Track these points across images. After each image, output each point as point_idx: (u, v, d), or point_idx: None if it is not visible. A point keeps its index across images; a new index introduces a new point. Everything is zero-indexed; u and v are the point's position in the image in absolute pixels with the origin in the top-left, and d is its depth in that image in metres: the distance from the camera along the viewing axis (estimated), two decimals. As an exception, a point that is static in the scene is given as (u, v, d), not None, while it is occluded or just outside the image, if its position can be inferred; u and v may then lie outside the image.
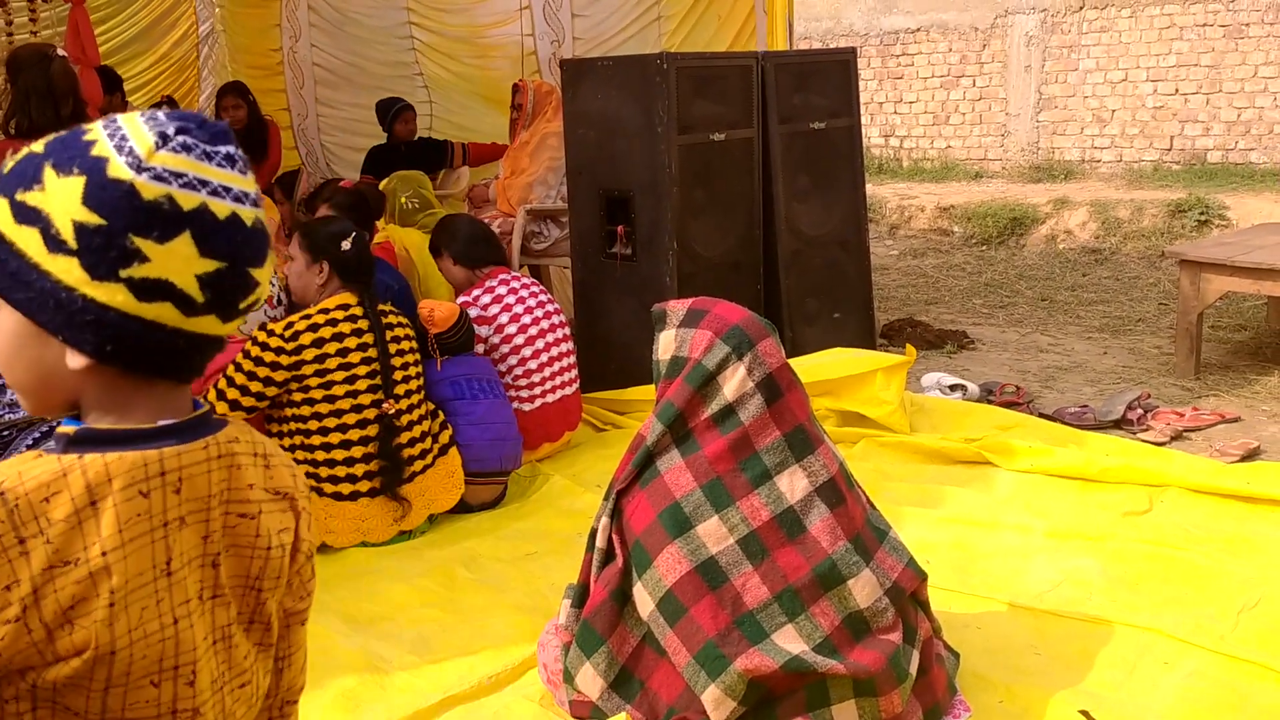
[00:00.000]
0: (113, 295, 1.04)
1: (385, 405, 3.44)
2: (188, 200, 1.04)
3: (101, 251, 1.02)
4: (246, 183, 1.09)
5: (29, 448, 2.09)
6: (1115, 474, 3.74)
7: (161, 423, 1.11)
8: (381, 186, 5.52)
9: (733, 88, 4.96)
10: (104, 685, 1.07)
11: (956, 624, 2.79)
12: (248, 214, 1.08)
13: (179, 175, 1.04)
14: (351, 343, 3.42)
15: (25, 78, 3.88)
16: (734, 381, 2.37)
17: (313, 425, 3.39)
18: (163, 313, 1.05)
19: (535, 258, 5.56)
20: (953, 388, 5.02)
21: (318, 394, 3.38)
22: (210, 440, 1.14)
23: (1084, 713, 2.44)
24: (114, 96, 6.10)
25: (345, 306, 3.46)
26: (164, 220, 1.03)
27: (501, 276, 4.20)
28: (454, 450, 3.66)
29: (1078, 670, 2.64)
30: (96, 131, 1.06)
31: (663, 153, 4.60)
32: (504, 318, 4.09)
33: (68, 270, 1.03)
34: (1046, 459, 3.87)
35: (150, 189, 1.03)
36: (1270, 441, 4.31)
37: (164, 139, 1.05)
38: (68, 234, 1.02)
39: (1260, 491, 3.51)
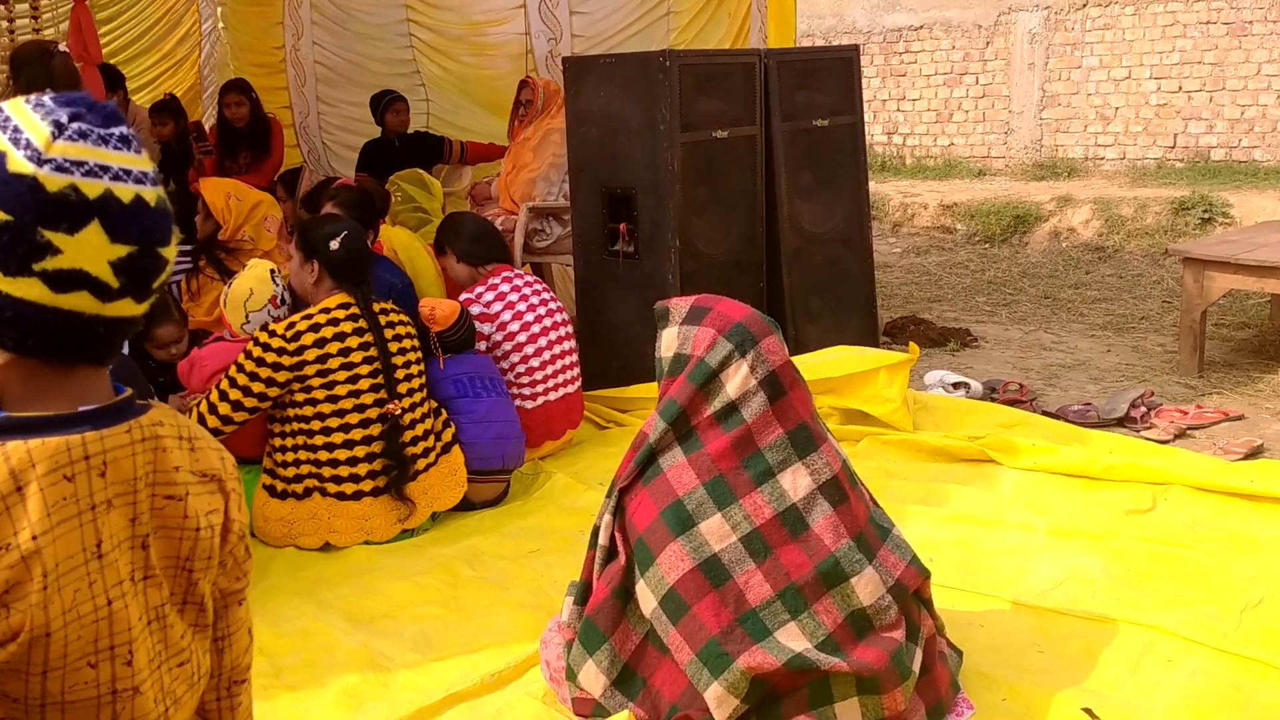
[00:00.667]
0: (29, 289, 1.04)
1: (389, 406, 3.44)
2: (92, 188, 1.04)
3: (11, 248, 1.02)
4: (144, 163, 1.09)
5: None
6: (1118, 472, 3.73)
7: (83, 408, 1.11)
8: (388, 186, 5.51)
9: (736, 85, 4.95)
10: (41, 669, 1.07)
11: (960, 622, 2.79)
12: (150, 194, 1.08)
13: (80, 164, 1.04)
14: (353, 342, 3.42)
15: (27, 74, 3.88)
16: (737, 379, 2.37)
17: (315, 425, 3.39)
18: (80, 302, 1.06)
19: (538, 255, 5.55)
20: (956, 385, 5.01)
21: (320, 394, 3.38)
22: (133, 424, 1.14)
23: (1087, 710, 2.44)
24: (116, 94, 6.10)
25: (346, 305, 3.46)
26: (71, 211, 1.03)
27: (505, 274, 4.20)
28: (457, 448, 3.66)
29: (1081, 668, 2.63)
30: None
31: (665, 150, 4.60)
32: (507, 315, 4.09)
33: None
34: (1050, 457, 3.86)
35: (53, 181, 1.03)
36: (1274, 439, 4.31)
37: (59, 128, 1.05)
38: None
39: (1264, 489, 3.50)
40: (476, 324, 4.00)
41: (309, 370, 3.36)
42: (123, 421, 1.13)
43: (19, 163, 1.03)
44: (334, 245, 3.47)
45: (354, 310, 3.46)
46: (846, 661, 2.24)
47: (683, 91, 4.62)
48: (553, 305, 4.24)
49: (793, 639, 2.25)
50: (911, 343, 4.87)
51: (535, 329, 4.12)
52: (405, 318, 3.64)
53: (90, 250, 1.04)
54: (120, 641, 1.12)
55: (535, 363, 4.11)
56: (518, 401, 4.04)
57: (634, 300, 4.68)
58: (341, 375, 3.39)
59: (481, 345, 4.03)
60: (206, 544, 1.21)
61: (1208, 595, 2.94)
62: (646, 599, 2.34)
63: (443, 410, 3.72)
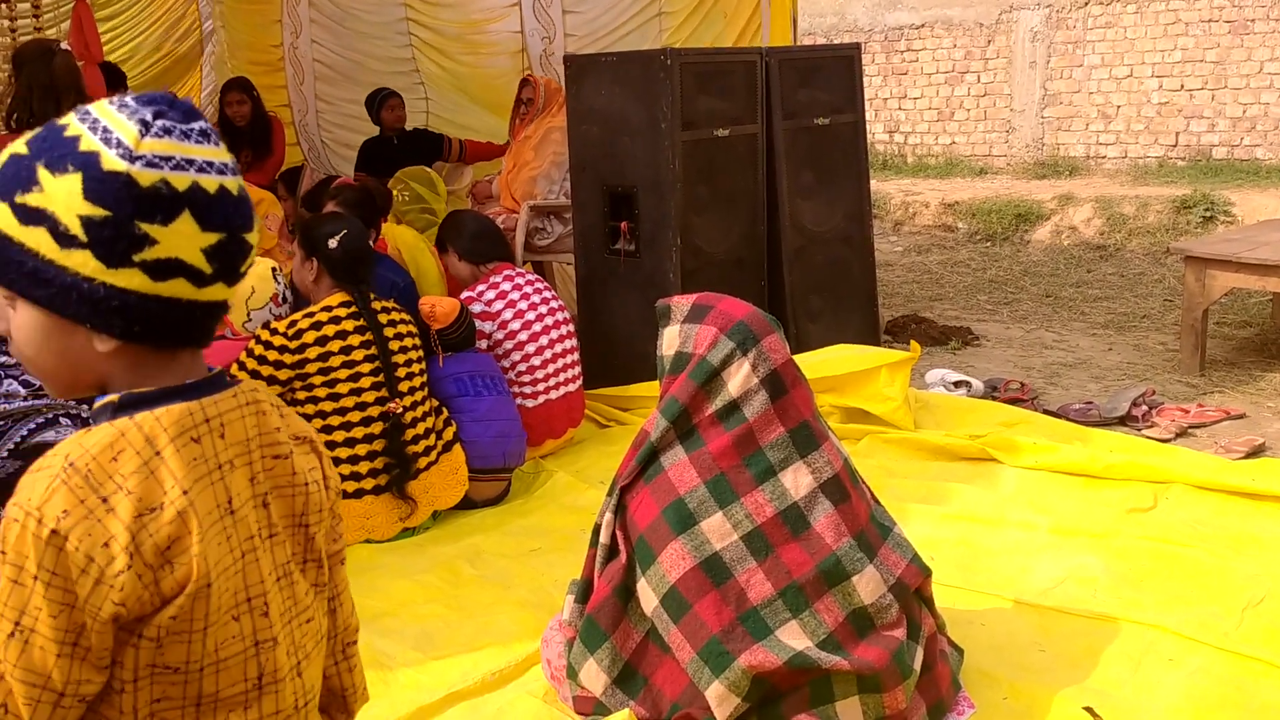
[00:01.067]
0: (130, 279, 1.10)
1: (391, 405, 3.44)
2: (181, 181, 1.10)
3: (113, 241, 1.08)
4: (224, 154, 1.15)
5: (23, 439, 2.11)
6: (1120, 471, 3.73)
7: (189, 381, 1.19)
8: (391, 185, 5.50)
9: (737, 83, 4.95)
10: (203, 624, 1.14)
11: (961, 620, 2.79)
12: (232, 184, 1.15)
13: (168, 159, 1.10)
14: (355, 340, 3.42)
15: (28, 72, 3.89)
16: (738, 377, 2.36)
17: (317, 424, 3.39)
18: (178, 288, 1.12)
19: (539, 254, 5.55)
20: (957, 384, 5.01)
21: (321, 391, 3.38)
22: (237, 389, 1.23)
23: (1088, 709, 2.44)
24: (117, 92, 6.10)
25: (348, 304, 3.46)
26: (164, 203, 1.09)
27: (506, 272, 4.20)
28: (458, 447, 3.66)
29: (1082, 667, 2.63)
30: (76, 126, 1.10)
31: (666, 149, 4.60)
32: (508, 314, 4.09)
33: (84, 263, 1.09)
34: (1051, 455, 3.86)
35: (146, 176, 1.08)
36: (1275, 438, 4.30)
37: (146, 126, 1.10)
38: (76, 229, 1.08)
39: (1265, 488, 3.50)
40: (478, 322, 4.00)
41: (311, 369, 3.36)
42: (227, 389, 1.22)
43: (113, 161, 1.08)
44: (332, 244, 3.47)
45: (356, 309, 3.46)
46: (848, 660, 2.23)
47: (684, 90, 4.62)
48: (554, 304, 4.24)
49: (794, 637, 2.25)
50: (913, 341, 4.86)
51: (537, 327, 4.12)
52: (406, 316, 3.63)
53: (184, 239, 1.10)
54: (256, 594, 1.20)
55: (536, 361, 4.11)
56: (519, 400, 4.04)
57: (635, 299, 4.68)
58: (343, 374, 3.39)
59: (483, 344, 4.03)
60: (317, 498, 1.29)
61: (1209, 594, 2.94)
62: (648, 597, 2.34)
63: (444, 409, 3.72)
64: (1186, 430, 4.44)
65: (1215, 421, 4.51)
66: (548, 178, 5.50)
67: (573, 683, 2.46)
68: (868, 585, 2.32)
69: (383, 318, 3.52)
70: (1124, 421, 4.56)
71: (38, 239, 1.08)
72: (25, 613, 1.09)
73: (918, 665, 2.34)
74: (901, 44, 12.05)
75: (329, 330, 3.39)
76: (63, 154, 1.08)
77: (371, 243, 3.90)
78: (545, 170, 5.50)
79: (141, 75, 7.71)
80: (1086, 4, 10.67)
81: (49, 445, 2.10)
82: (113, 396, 1.16)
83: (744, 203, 5.02)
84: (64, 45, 4.21)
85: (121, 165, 1.08)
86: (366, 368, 3.43)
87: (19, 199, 1.09)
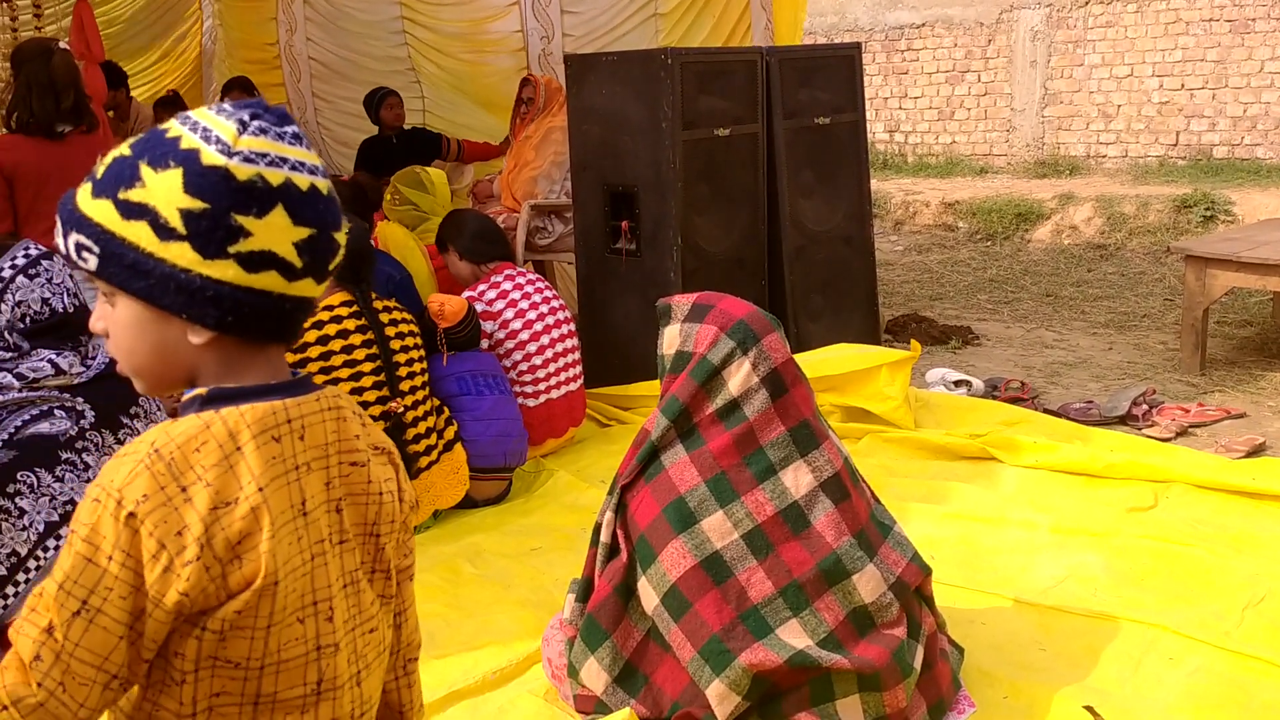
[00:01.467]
0: (225, 271, 1.13)
1: (392, 404, 3.44)
2: (275, 177, 1.14)
3: (210, 233, 1.12)
4: (314, 157, 1.20)
5: (17, 429, 2.11)
6: (1120, 470, 3.73)
7: (275, 381, 1.21)
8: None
9: (737, 83, 4.95)
10: (267, 622, 1.15)
11: (961, 619, 2.79)
12: (322, 184, 1.19)
13: (263, 155, 1.14)
14: (356, 339, 3.42)
15: (27, 71, 3.89)
16: (739, 376, 2.37)
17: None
18: (270, 281, 1.15)
19: (539, 253, 5.55)
20: (957, 383, 5.01)
21: (323, 390, 3.38)
22: (320, 394, 1.25)
23: (1089, 708, 2.44)
24: (118, 91, 6.11)
25: (349, 303, 3.45)
26: (259, 197, 1.13)
27: (507, 272, 4.20)
28: (459, 446, 3.66)
29: (1083, 666, 2.63)
30: (178, 129, 1.15)
31: (667, 148, 4.60)
32: (509, 313, 4.09)
33: (181, 254, 1.12)
34: (1051, 455, 3.86)
35: (243, 170, 1.13)
36: (1276, 437, 4.30)
37: (243, 125, 1.14)
38: (176, 222, 1.12)
39: (1265, 487, 3.50)
40: (479, 321, 4.00)
41: (312, 368, 3.36)
42: (311, 392, 1.24)
43: (212, 156, 1.12)
44: None
45: (357, 308, 3.45)
46: (848, 659, 2.24)
47: (684, 89, 4.62)
48: (555, 303, 4.24)
49: (794, 636, 2.25)
50: (913, 340, 4.87)
51: (538, 326, 4.12)
52: (408, 315, 3.63)
53: (277, 232, 1.14)
54: (322, 598, 1.21)
55: (538, 360, 4.11)
56: (520, 399, 4.04)
57: (635, 298, 4.68)
58: (345, 373, 3.39)
59: (484, 343, 4.03)
60: (390, 508, 1.31)
61: (1210, 593, 2.94)
62: (649, 596, 2.34)
63: (445, 408, 3.72)
64: (1187, 429, 4.44)
65: (1216, 421, 4.51)
66: (548, 177, 5.50)
67: (574, 681, 2.47)
68: (868, 584, 2.32)
69: (384, 316, 3.52)
70: (1124, 421, 4.56)
71: (139, 233, 1.12)
72: (94, 592, 1.11)
73: (918, 664, 2.34)
74: (902, 43, 12.05)
75: (330, 329, 3.39)
76: (164, 152, 1.13)
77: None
78: (546, 170, 5.50)
79: (143, 75, 7.72)
80: (1087, 3, 10.67)
81: (43, 436, 2.11)
82: (200, 390, 1.19)
83: (745, 202, 5.02)
84: (64, 44, 4.21)
85: (220, 160, 1.12)
86: (368, 367, 3.42)
87: (122, 195, 1.13)
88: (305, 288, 1.18)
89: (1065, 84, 10.93)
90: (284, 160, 1.15)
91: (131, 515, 1.10)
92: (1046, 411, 4.62)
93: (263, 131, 1.15)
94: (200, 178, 1.11)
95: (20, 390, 2.13)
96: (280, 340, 1.22)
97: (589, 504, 3.59)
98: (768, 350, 2.39)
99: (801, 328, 5.17)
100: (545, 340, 4.13)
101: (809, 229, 5.26)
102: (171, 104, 6.64)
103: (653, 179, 4.66)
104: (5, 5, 6.44)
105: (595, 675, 2.41)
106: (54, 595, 1.12)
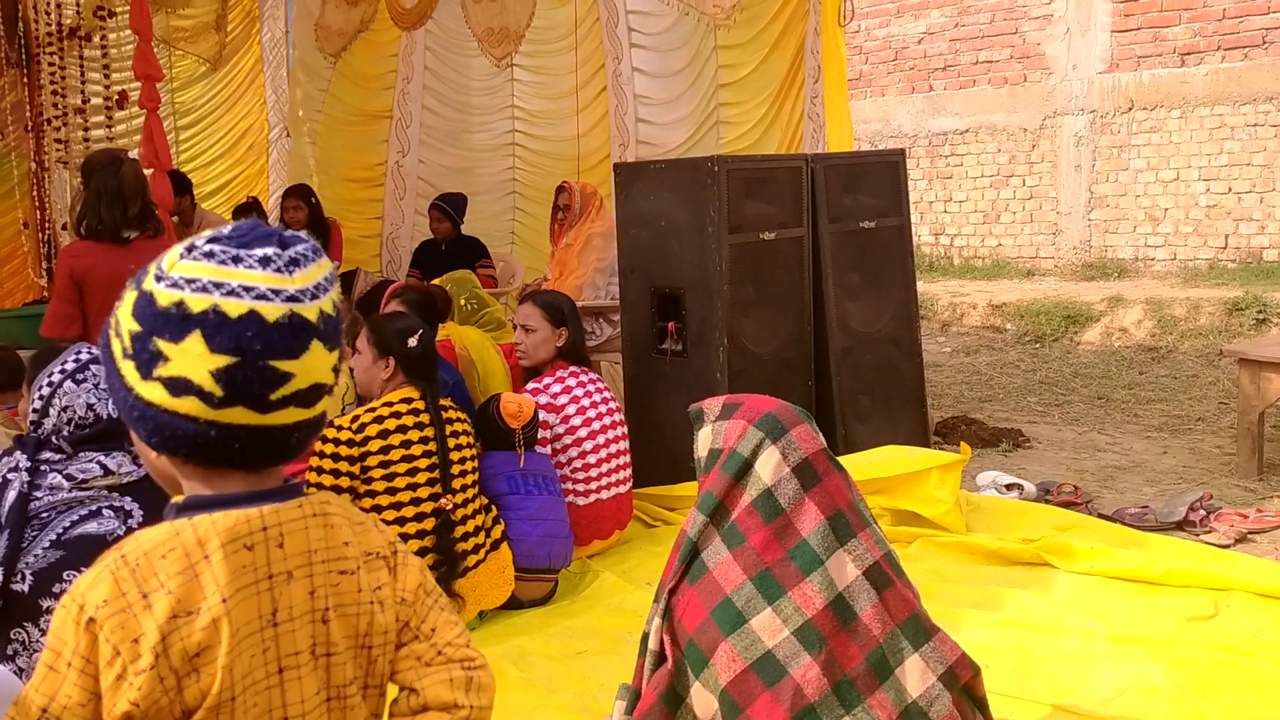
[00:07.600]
0: (153, 393, 1.15)
1: (443, 501, 3.47)
2: (198, 303, 1.13)
3: (140, 354, 1.15)
4: (280, 280, 1.14)
5: (65, 529, 2.14)
6: (1178, 577, 3.65)
7: (255, 490, 1.21)
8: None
9: (782, 188, 5.03)
10: None
11: (1017, 730, 2.71)
12: (271, 310, 1.13)
13: (192, 281, 1.14)
14: (414, 435, 3.47)
15: (98, 180, 4.04)
16: (770, 466, 2.36)
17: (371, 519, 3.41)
18: (191, 407, 1.14)
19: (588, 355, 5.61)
20: (1009, 487, 4.94)
21: (380, 485, 3.41)
22: (304, 500, 1.23)
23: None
24: (183, 199, 6.32)
25: (408, 400, 3.52)
26: (173, 323, 1.13)
27: (572, 369, 4.27)
28: (505, 546, 3.66)
29: (1145, 781, 2.54)
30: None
31: (713, 251, 4.66)
32: (571, 409, 4.14)
33: (130, 373, 1.16)
34: (1107, 561, 3.78)
35: (165, 295, 1.14)
36: (1340, 545, 4.19)
37: (190, 250, 1.16)
38: (127, 342, 1.16)
39: (1332, 596, 3.40)
40: (541, 413, 4.05)
41: (371, 463, 3.40)
42: (294, 498, 1.23)
43: (149, 281, 1.17)
44: (412, 342, 3.56)
45: (416, 405, 3.51)
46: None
47: (730, 195, 4.70)
48: (612, 404, 4.30)
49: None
50: (963, 443, 4.82)
51: (595, 426, 4.17)
52: (463, 415, 3.70)
53: (191, 359, 1.13)
54: (294, 714, 1.18)
55: (592, 459, 4.14)
56: (570, 497, 4.05)
57: (682, 398, 4.69)
58: (402, 468, 3.43)
59: (543, 433, 4.08)
60: (381, 620, 1.28)
61: (1274, 706, 2.84)
62: (704, 701, 2.30)
63: (493, 507, 3.73)
64: (1246, 536, 4.33)
65: (1275, 527, 4.40)
66: (592, 285, 5.62)
67: (620, 789, 2.42)
68: (912, 674, 2.27)
69: (444, 414, 3.58)
70: (1181, 526, 4.46)
71: (115, 349, 1.19)
72: (54, 699, 1.11)
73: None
74: (946, 148, 12.18)
75: (390, 425, 3.45)
76: (141, 276, 1.19)
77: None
78: (589, 278, 5.63)
79: (211, 182, 7.99)
80: (1130, 109, 10.75)
81: (91, 537, 2.14)
82: (179, 498, 1.20)
83: (791, 304, 5.06)
84: (133, 154, 4.38)
85: (150, 285, 1.16)
86: (424, 463, 3.47)
87: (117, 313, 1.20)
88: (236, 415, 1.14)
89: (1111, 188, 10.96)
90: (218, 285, 1.13)
91: (91, 620, 1.10)
92: (1101, 516, 4.54)
93: (209, 256, 1.14)
94: (138, 301, 1.16)
95: (70, 490, 2.17)
96: (241, 468, 1.19)
97: (635, 606, 3.56)
98: (797, 440, 2.38)
99: (850, 429, 5.14)
100: (601, 440, 4.17)
101: (856, 331, 5.28)
102: (248, 210, 6.90)
103: (699, 281, 4.71)
104: (79, 118, 6.73)
105: (642, 783, 2.36)
106: (25, 701, 1.12)
